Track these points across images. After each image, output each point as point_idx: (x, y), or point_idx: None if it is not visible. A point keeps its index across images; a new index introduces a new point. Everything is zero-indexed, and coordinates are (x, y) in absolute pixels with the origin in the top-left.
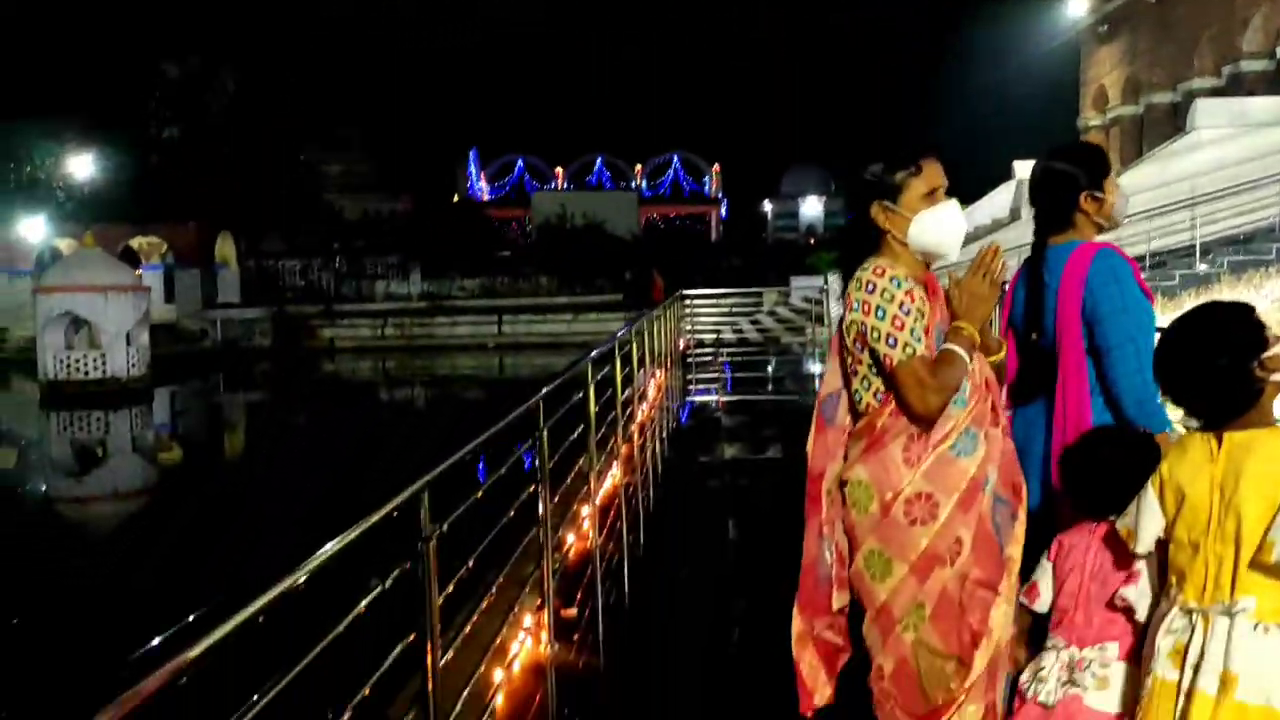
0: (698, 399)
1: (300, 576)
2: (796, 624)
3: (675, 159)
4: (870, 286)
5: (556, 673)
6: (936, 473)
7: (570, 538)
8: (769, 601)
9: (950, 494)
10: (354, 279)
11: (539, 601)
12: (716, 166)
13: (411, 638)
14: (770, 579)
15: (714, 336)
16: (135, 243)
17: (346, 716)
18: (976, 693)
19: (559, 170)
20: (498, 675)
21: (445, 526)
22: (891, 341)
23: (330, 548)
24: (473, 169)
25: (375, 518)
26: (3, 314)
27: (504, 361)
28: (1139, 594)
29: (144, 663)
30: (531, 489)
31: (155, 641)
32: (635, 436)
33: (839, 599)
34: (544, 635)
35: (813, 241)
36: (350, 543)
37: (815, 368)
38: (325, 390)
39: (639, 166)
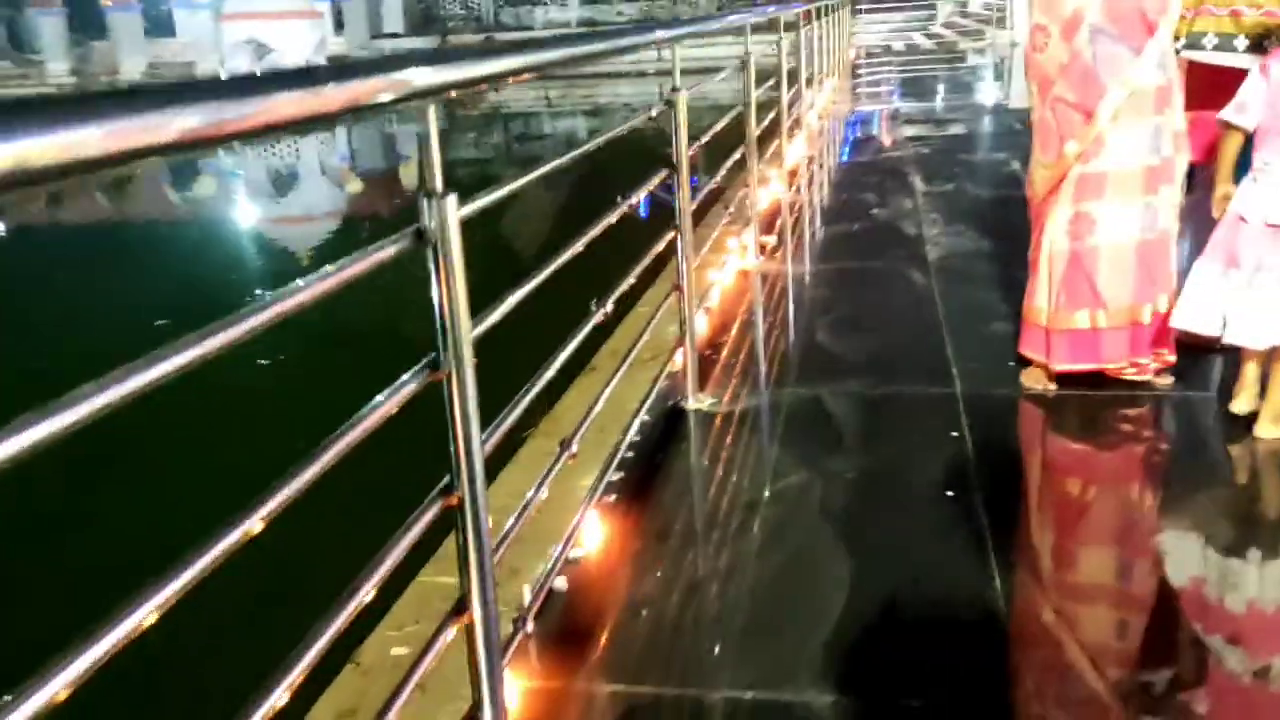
0: (867, 109)
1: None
2: None
3: None
4: None
5: (761, 277)
6: (1048, 4)
7: (763, 191)
8: (957, 231)
9: (1056, 23)
10: (512, 5)
11: (745, 227)
12: None
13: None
14: (955, 213)
15: (883, 47)
16: None
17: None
18: (1065, 199)
19: None
20: (713, 274)
21: (688, 89)
22: None
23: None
24: None
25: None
26: (188, 48)
27: (664, 90)
28: None
29: None
30: (737, 110)
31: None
32: (817, 120)
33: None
34: (749, 252)
35: None
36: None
37: (993, 81)
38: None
39: None
